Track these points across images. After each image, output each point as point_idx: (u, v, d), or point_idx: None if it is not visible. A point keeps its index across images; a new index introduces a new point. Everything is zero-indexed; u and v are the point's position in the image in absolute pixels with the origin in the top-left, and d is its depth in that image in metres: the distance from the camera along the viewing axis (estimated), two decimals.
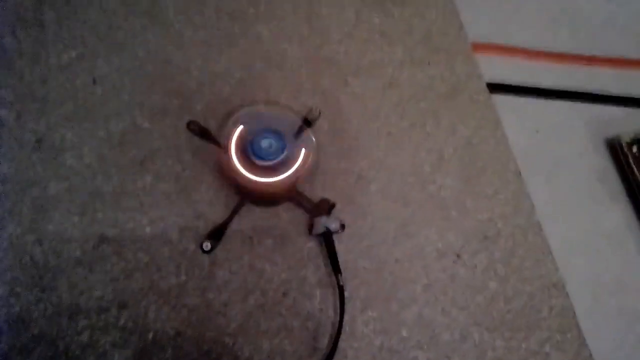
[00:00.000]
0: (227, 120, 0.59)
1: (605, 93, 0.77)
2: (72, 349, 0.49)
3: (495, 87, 0.74)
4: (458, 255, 0.61)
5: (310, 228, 0.57)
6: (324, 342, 0.54)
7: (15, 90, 0.59)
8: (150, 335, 0.51)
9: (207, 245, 0.55)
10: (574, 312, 0.60)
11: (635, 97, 0.77)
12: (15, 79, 0.59)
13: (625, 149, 0.71)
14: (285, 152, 0.55)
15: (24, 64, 0.60)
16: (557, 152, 0.72)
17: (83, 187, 0.56)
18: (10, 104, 0.58)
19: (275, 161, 0.55)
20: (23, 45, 0.61)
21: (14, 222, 0.52)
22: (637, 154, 0.71)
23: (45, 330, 0.49)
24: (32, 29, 0.62)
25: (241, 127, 0.57)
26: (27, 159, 0.56)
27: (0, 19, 0.62)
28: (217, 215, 0.57)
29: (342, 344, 0.53)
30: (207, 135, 0.60)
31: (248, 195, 0.57)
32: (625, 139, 0.71)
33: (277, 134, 0.56)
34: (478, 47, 0.77)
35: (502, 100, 0.73)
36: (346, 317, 0.54)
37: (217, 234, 0.56)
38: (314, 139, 0.59)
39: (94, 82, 0.61)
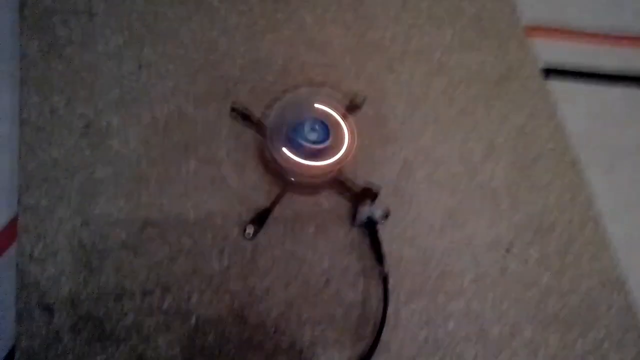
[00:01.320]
0: (271, 106, 0.58)
1: None
2: (117, 330, 0.49)
3: (551, 73, 0.70)
4: (508, 249, 0.58)
5: (354, 216, 0.56)
6: (367, 332, 0.52)
7: (65, 76, 0.60)
8: (193, 320, 0.51)
9: (249, 231, 0.54)
10: (636, 311, 0.56)
11: None
12: (66, 65, 0.60)
13: None
14: (329, 140, 0.54)
15: (74, 51, 0.61)
16: (617, 141, 0.68)
17: (129, 172, 0.56)
18: (61, 91, 0.59)
19: (319, 147, 0.54)
20: (73, 33, 0.62)
21: (63, 206, 0.54)
22: None
23: (93, 312, 0.50)
24: (82, 17, 0.63)
25: (285, 112, 0.56)
26: (76, 144, 0.57)
27: (52, 9, 0.63)
28: (259, 201, 0.57)
29: (385, 335, 0.51)
30: (251, 121, 0.60)
31: (290, 182, 0.56)
32: None
33: (321, 120, 0.55)
34: (532, 30, 0.73)
35: (558, 86, 0.69)
36: (390, 308, 0.52)
37: (259, 220, 0.55)
38: (355, 128, 0.57)
39: (140, 68, 0.62)
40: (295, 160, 0.54)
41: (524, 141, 0.65)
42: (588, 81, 0.71)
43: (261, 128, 0.57)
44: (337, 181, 0.57)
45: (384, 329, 0.51)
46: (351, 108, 0.61)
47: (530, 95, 0.68)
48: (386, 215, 0.56)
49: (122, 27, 0.64)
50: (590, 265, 0.58)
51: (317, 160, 0.54)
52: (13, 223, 0.53)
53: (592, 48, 0.74)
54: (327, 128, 0.55)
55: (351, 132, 0.57)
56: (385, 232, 0.56)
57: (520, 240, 0.59)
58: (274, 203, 0.56)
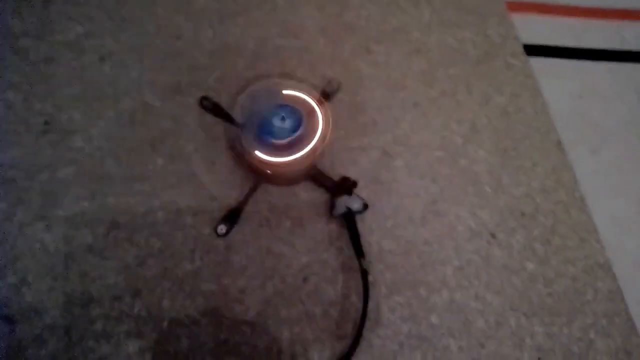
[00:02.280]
0: (240, 96, 0.55)
1: None
2: (86, 339, 0.47)
3: (534, 50, 0.68)
4: (493, 235, 0.56)
5: (331, 208, 0.54)
6: (348, 329, 0.50)
7: (21, 70, 0.56)
8: (165, 324, 0.48)
9: (222, 229, 0.52)
10: (623, 296, 0.55)
11: None
12: (21, 58, 0.57)
13: None
14: (302, 129, 0.51)
15: (29, 43, 0.58)
16: (603, 120, 0.66)
17: (93, 171, 0.53)
18: (16, 86, 0.56)
19: (291, 138, 0.51)
20: (27, 23, 0.58)
21: (23, 209, 0.51)
22: None
23: (59, 320, 0.47)
24: (36, 6, 0.59)
25: (255, 102, 0.53)
26: (36, 142, 0.54)
27: None
28: (232, 196, 0.54)
29: (367, 331, 0.50)
30: (220, 112, 0.57)
31: (264, 175, 0.54)
32: None
33: (293, 110, 0.52)
34: (514, 5, 0.70)
35: (541, 64, 0.67)
36: (371, 304, 0.50)
37: (232, 217, 0.52)
38: (330, 115, 0.55)
39: (102, 59, 0.58)
40: (263, 156, 0.51)
41: (507, 122, 0.62)
42: (571, 57, 0.69)
43: (231, 119, 0.55)
44: (313, 171, 0.55)
45: (365, 326, 0.49)
46: (326, 94, 0.58)
47: (513, 74, 0.65)
48: (365, 206, 0.54)
49: (81, 15, 0.60)
50: (576, 250, 0.57)
51: (292, 150, 0.52)
52: None
53: (575, 23, 0.71)
54: (299, 116, 0.52)
55: (325, 118, 0.54)
56: (364, 224, 0.54)
57: (504, 226, 0.57)
58: (247, 198, 0.53)
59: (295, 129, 0.51)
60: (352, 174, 0.55)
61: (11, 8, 0.58)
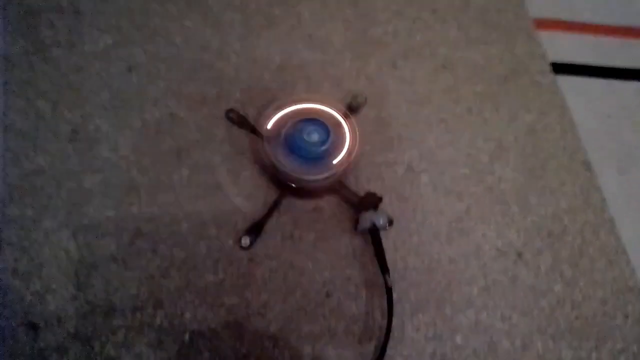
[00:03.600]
0: (267, 109, 0.55)
1: None
2: (107, 349, 0.47)
3: (561, 68, 0.67)
4: (519, 255, 0.55)
5: (356, 223, 0.53)
6: (371, 347, 0.50)
7: (51, 79, 0.57)
8: (187, 337, 0.48)
9: (246, 241, 0.51)
10: None
11: None
12: (52, 67, 0.58)
13: None
14: (329, 144, 0.51)
15: (60, 53, 0.58)
16: (631, 139, 0.65)
17: (118, 180, 0.53)
18: (47, 95, 0.56)
19: (319, 150, 0.51)
20: (59, 33, 0.59)
21: (50, 217, 0.51)
22: None
23: (81, 329, 0.47)
24: (68, 16, 0.60)
25: (281, 116, 0.53)
26: (63, 151, 0.54)
27: (37, 8, 0.60)
28: (255, 208, 0.54)
29: (390, 350, 0.49)
30: (246, 124, 0.57)
31: (288, 188, 0.53)
32: None
33: (320, 124, 0.52)
34: (541, 23, 0.69)
35: (568, 82, 0.66)
36: (395, 321, 0.49)
37: (256, 229, 0.52)
38: (357, 130, 0.54)
39: (130, 70, 0.59)
40: (290, 171, 0.51)
41: (534, 140, 0.61)
42: (599, 76, 0.68)
43: (256, 132, 0.55)
44: (338, 185, 0.54)
45: (389, 344, 0.48)
46: (352, 109, 0.58)
47: (540, 92, 0.64)
48: (390, 222, 0.53)
49: (110, 26, 0.61)
50: (604, 272, 0.55)
51: (318, 164, 0.51)
52: None
53: (602, 41, 0.70)
54: (327, 129, 0.52)
55: (353, 132, 0.54)
56: (388, 240, 0.53)
57: (531, 246, 0.56)
58: (271, 210, 0.53)
59: (322, 143, 0.51)
60: (376, 189, 0.55)
61: (45, 19, 0.59)
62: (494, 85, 0.64)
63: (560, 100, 0.64)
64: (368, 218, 0.52)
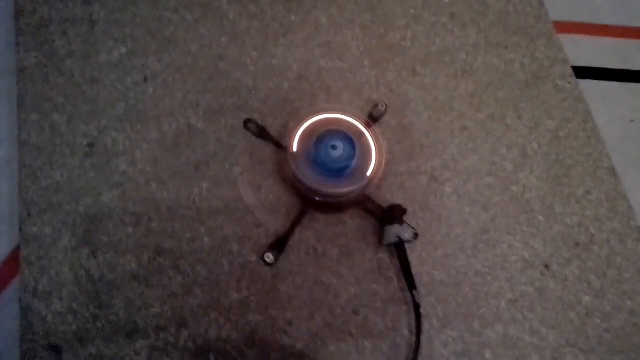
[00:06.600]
0: (287, 120, 0.54)
1: None
2: None
3: (583, 72, 0.65)
4: (546, 266, 0.54)
5: (381, 237, 0.52)
6: None
7: (66, 91, 0.56)
8: (212, 357, 0.47)
9: (270, 258, 0.50)
10: None
11: None
12: (66, 79, 0.56)
13: None
14: (356, 158, 0.50)
15: (75, 64, 0.57)
16: None
17: (137, 195, 0.52)
18: (62, 108, 0.55)
19: (346, 163, 0.50)
20: (73, 44, 0.58)
21: (68, 234, 0.50)
22: None
23: (103, 350, 0.46)
24: (82, 27, 0.59)
25: (304, 129, 0.52)
26: (80, 165, 0.53)
27: (50, 18, 0.59)
28: (278, 222, 0.53)
29: None
30: (266, 135, 0.56)
31: (312, 202, 0.52)
32: None
33: (344, 136, 0.51)
34: (562, 26, 0.68)
35: (591, 87, 0.64)
36: (423, 338, 0.48)
37: (280, 244, 0.51)
38: (382, 140, 0.53)
39: (145, 80, 0.58)
40: (317, 180, 0.50)
41: (558, 147, 0.60)
42: (622, 80, 0.67)
43: (277, 143, 0.53)
44: (363, 199, 0.53)
45: None
46: (373, 118, 0.57)
47: (563, 97, 0.63)
48: (416, 235, 0.52)
49: (125, 35, 0.59)
50: (633, 283, 0.54)
51: (344, 177, 0.50)
52: (15, 254, 0.49)
53: (625, 43, 0.69)
54: (352, 143, 0.50)
55: (378, 143, 0.53)
56: (414, 253, 0.52)
57: (558, 257, 0.55)
58: (295, 225, 0.52)
59: (347, 156, 0.50)
60: (399, 200, 0.54)
61: (58, 29, 0.58)
62: (515, 90, 0.63)
63: (584, 106, 0.63)
64: (394, 232, 0.51)
